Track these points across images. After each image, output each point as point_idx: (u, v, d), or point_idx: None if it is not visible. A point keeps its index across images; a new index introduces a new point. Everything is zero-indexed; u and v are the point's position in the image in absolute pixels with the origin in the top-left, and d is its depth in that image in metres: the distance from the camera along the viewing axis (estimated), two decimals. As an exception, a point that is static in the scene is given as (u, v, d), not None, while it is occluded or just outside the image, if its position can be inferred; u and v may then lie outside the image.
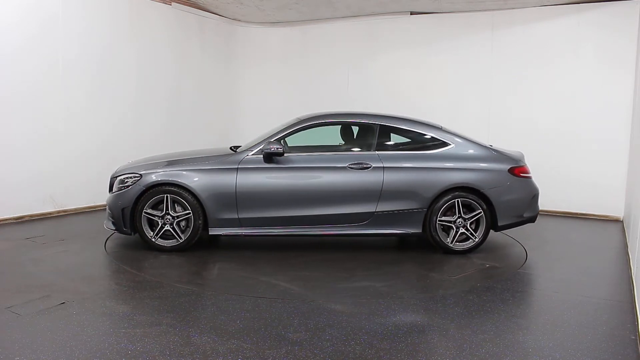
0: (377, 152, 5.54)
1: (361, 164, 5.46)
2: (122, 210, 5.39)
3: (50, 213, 7.12)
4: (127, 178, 5.49)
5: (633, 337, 3.52)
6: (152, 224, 5.45)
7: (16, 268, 4.78)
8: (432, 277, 4.84)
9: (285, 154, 5.46)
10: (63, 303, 3.89)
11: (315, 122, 5.73)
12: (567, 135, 8.07)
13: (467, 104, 8.71)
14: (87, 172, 7.54)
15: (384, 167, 5.45)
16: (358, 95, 9.50)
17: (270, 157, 5.45)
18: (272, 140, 5.54)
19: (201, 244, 5.78)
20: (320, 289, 4.43)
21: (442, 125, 5.88)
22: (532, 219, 5.76)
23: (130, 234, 5.51)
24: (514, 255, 5.65)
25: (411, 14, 9.01)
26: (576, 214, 8.07)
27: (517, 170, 5.57)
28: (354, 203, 5.44)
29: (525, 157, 5.86)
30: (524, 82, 8.33)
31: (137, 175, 5.46)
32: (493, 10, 8.42)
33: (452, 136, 5.66)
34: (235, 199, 5.38)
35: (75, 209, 7.45)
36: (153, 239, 5.41)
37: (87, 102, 7.51)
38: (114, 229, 5.53)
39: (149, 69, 8.44)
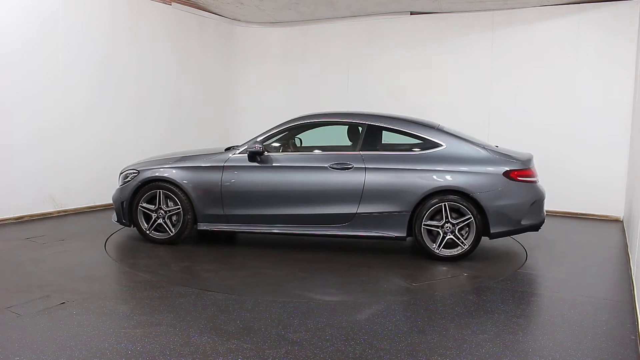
0: (361, 153, 5.45)
1: (343, 164, 5.41)
2: (122, 203, 5.80)
3: (50, 213, 7.12)
4: (128, 174, 5.88)
5: (633, 337, 3.52)
6: (148, 218, 5.77)
7: (16, 268, 4.78)
8: (393, 282, 4.68)
9: (266, 153, 5.56)
10: (63, 303, 3.89)
11: (301, 123, 5.79)
12: (567, 135, 8.07)
13: (467, 104, 8.71)
14: (87, 172, 7.54)
15: (365, 167, 5.36)
16: (358, 95, 9.50)
17: (254, 157, 5.55)
18: (257, 140, 5.66)
19: (204, 238, 5.87)
20: (264, 288, 4.43)
21: (440, 125, 5.73)
22: (533, 227, 5.36)
23: (130, 226, 5.87)
24: (514, 255, 5.65)
25: (411, 14, 9.01)
26: (576, 214, 8.07)
27: (515, 173, 5.20)
28: (335, 203, 5.38)
29: (533, 160, 5.49)
30: (524, 81, 8.33)
31: (135, 171, 5.83)
32: (493, 10, 8.42)
33: (447, 136, 5.43)
34: (221, 196, 5.55)
35: (75, 209, 7.45)
36: (147, 232, 5.76)
37: (87, 102, 7.51)
38: (116, 221, 5.91)
39: (149, 69, 8.43)
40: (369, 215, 5.33)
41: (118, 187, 5.94)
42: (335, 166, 5.42)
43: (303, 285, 4.53)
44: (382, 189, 5.31)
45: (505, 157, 5.36)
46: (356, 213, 5.35)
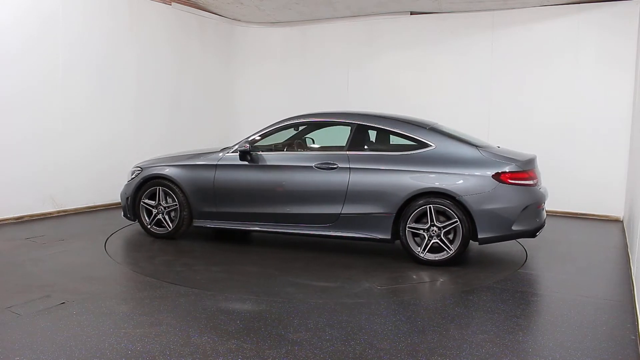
0: (347, 153, 5.38)
1: (328, 164, 5.37)
2: (127, 199, 6.10)
3: (50, 213, 7.12)
4: (134, 171, 6.19)
5: (633, 337, 3.52)
6: (150, 213, 6.05)
7: (16, 268, 4.78)
8: (361, 284, 4.56)
9: (259, 153, 5.64)
10: (63, 303, 3.89)
11: (292, 123, 5.87)
12: (567, 135, 8.07)
13: (467, 104, 8.70)
14: (87, 172, 7.54)
15: (350, 167, 5.28)
16: (358, 95, 9.50)
17: (244, 156, 5.63)
18: (248, 139, 5.75)
19: (219, 236, 6.00)
20: (227, 283, 4.49)
21: (436, 124, 5.58)
22: (527, 233, 5.07)
23: (134, 221, 6.16)
24: (514, 255, 5.64)
25: (411, 14, 9.01)
26: (576, 214, 8.06)
27: (506, 176, 4.90)
28: (320, 203, 5.35)
29: (534, 162, 5.29)
30: (524, 81, 8.32)
31: (139, 168, 6.13)
32: (493, 10, 8.42)
33: (438, 136, 5.23)
34: (214, 194, 5.71)
35: (75, 209, 7.45)
36: (148, 226, 6.04)
37: (87, 102, 7.51)
38: (123, 215, 6.22)
39: (149, 69, 8.43)
40: (353, 216, 5.26)
41: (125, 183, 6.23)
42: (320, 166, 5.39)
43: (266, 284, 4.52)
44: (366, 189, 5.21)
45: (500, 158, 5.09)
46: (340, 214, 5.30)
